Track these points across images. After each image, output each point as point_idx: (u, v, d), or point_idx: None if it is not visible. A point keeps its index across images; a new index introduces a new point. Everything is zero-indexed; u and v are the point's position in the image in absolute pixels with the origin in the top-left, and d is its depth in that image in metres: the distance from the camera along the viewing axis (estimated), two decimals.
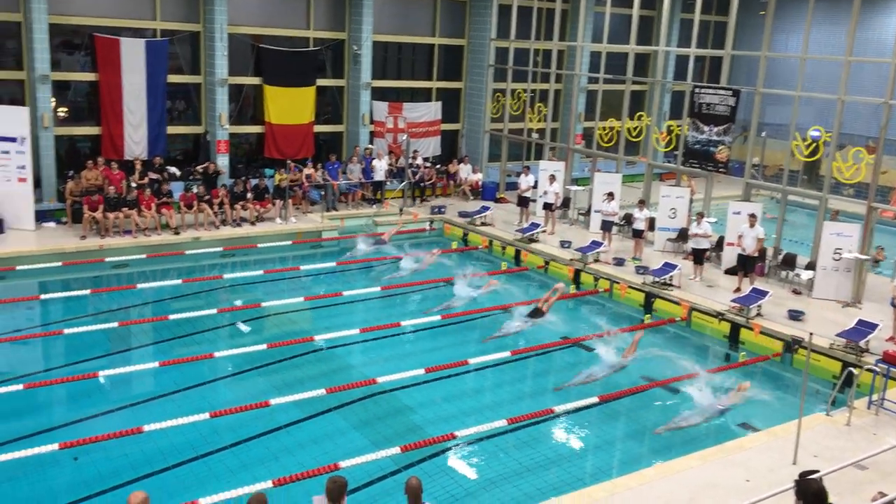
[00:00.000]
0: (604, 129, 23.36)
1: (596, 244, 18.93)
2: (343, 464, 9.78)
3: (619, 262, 18.41)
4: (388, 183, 23.43)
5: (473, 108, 26.53)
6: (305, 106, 23.23)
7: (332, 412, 11.52)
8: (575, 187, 23.14)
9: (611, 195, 19.93)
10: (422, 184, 24.13)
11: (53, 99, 19.56)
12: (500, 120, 25.97)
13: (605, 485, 9.44)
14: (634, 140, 24.00)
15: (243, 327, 14.17)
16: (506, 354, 13.62)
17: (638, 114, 24.23)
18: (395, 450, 10.27)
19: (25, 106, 19.05)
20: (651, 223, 19.87)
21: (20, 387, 11.45)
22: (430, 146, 25.91)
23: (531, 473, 10.12)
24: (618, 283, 17.52)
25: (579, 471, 10.28)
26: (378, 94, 24.69)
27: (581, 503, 8.92)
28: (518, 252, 20.00)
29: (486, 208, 22.16)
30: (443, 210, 22.78)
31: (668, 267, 17.27)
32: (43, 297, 15.90)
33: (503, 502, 9.45)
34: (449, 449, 10.58)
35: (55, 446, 9.74)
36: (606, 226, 19.76)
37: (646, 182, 21.62)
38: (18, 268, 16.63)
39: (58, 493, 9.10)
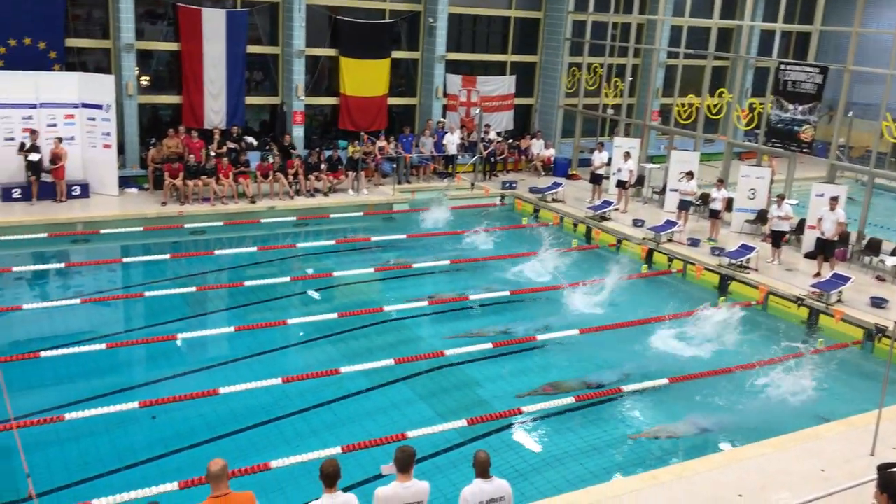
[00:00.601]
0: (682, 105, 22.75)
1: (670, 224, 18.55)
2: (410, 433, 9.89)
3: (694, 243, 18.00)
4: (459, 157, 23.39)
5: (548, 83, 26.19)
6: (380, 78, 23.31)
7: (400, 382, 11.65)
8: (650, 165, 22.68)
9: (690, 174, 19.45)
10: (493, 158, 24.00)
11: (136, 68, 20.09)
12: (575, 95, 25.59)
13: (673, 467, 9.32)
14: (714, 117, 23.33)
15: (314, 295, 14.37)
16: (574, 333, 13.51)
17: (719, 90, 23.54)
18: (462, 422, 10.33)
19: (111, 74, 19.63)
20: (729, 204, 19.35)
21: (103, 346, 11.91)
22: (503, 120, 25.72)
23: (597, 452, 10.05)
24: (692, 264, 17.14)
25: (645, 452, 10.16)
26: (452, 67, 24.59)
27: (648, 485, 8.82)
28: (589, 230, 19.76)
29: (557, 184, 21.93)
30: (514, 185, 22.65)
31: (745, 249, 16.81)
32: (125, 260, 16.45)
33: (568, 479, 9.40)
34: (515, 424, 10.59)
35: (135, 404, 10.12)
36: (684, 205, 19.32)
37: (725, 161, 21.03)
38: (102, 231, 17.25)
39: (137, 450, 9.46)
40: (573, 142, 25.49)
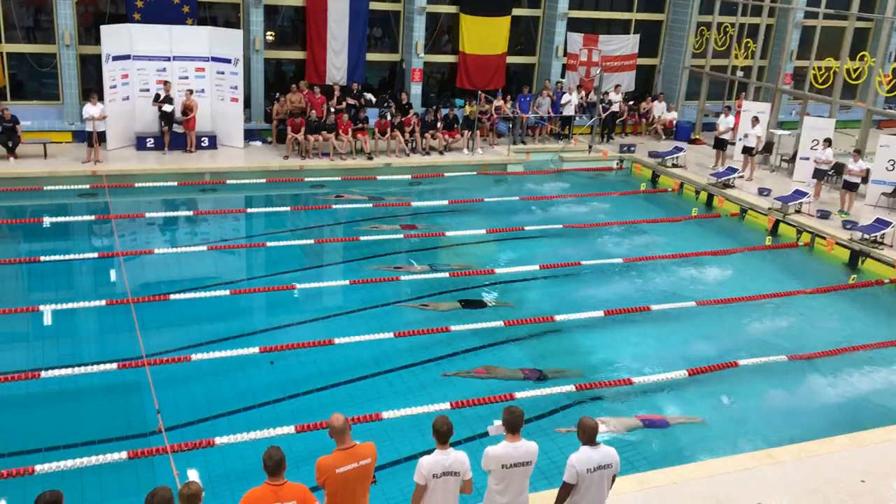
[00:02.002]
0: (819, 69, 21.44)
1: (799, 193, 17.64)
2: (518, 395, 9.92)
3: (824, 215, 17.08)
4: (577, 118, 22.94)
5: (674, 42, 25.20)
6: (500, 36, 23.03)
7: (510, 344, 11.67)
8: (780, 131, 21.57)
9: (828, 141, 18.37)
10: (618, 120, 23.39)
11: (263, 23, 20.60)
12: (703, 56, 24.54)
13: (791, 447, 8.98)
14: (853, 83, 21.91)
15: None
16: (690, 304, 13.13)
17: (860, 53, 22.03)
18: (570, 387, 10.28)
19: (239, 29, 20.22)
20: (865, 175, 18.20)
21: (227, 292, 12.45)
22: (624, 81, 24.98)
23: (707, 428, 9.79)
24: (822, 237, 16.28)
25: (762, 429, 9.80)
26: (573, 25, 24.00)
27: (762, 464, 8.55)
28: (711, 197, 19.04)
29: (679, 149, 21.21)
30: (632, 149, 22.06)
31: (881, 224, 15.81)
32: (248, 210, 17.07)
33: (677, 451, 9.23)
34: (625, 392, 10.44)
35: (255, 349, 10.56)
36: (819, 174, 18.30)
37: (862, 129, 19.73)
38: (228, 182, 17.95)
39: (256, 392, 9.88)
40: (697, 105, 24.52)
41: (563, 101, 22.52)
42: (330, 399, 9.75)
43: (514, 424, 6.30)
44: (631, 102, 24.45)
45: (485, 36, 22.83)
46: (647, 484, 8.14)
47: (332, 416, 6.08)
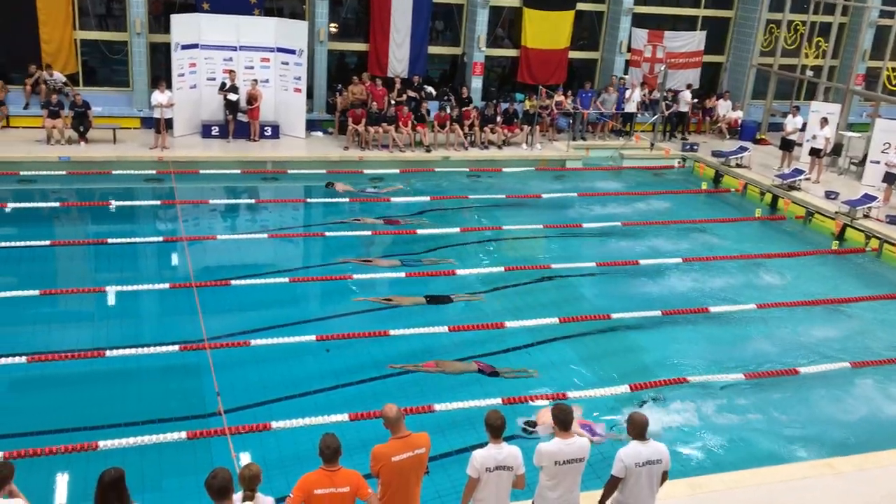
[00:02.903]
0: (893, 70, 20.75)
1: (868, 198, 17.12)
2: (571, 394, 9.88)
3: (894, 221, 16.54)
4: (639, 115, 22.64)
5: (742, 40, 24.64)
6: (563, 30, 22.84)
7: (563, 341, 11.61)
8: (850, 133, 20.94)
9: None
10: (680, 118, 23.02)
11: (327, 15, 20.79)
12: (771, 54, 23.95)
13: (853, 458, 8.76)
14: None
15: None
16: (750, 307, 12.87)
17: None
18: (624, 388, 10.19)
19: (304, 20, 20.46)
20: None
21: (285, 280, 12.66)
22: (689, 78, 24.52)
23: (767, 433, 9.59)
24: (892, 243, 15.77)
25: (821, 438, 9.55)
26: (638, 20, 23.65)
27: (821, 473, 8.34)
28: (776, 199, 18.60)
29: (743, 149, 20.77)
30: (695, 147, 21.68)
31: None
32: (308, 200, 17.30)
33: (727, 454, 9.08)
34: (679, 394, 10.29)
35: (312, 337, 10.72)
36: (889, 178, 17.73)
37: None
38: (289, 171, 18.22)
39: (311, 379, 10.03)
40: (764, 104, 23.96)
41: (625, 98, 22.24)
42: (384, 389, 9.84)
43: (566, 421, 6.29)
44: (695, 100, 24.01)
45: (548, 30, 22.66)
46: (700, 489, 8.02)
47: (386, 407, 6.15)
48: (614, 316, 12.17)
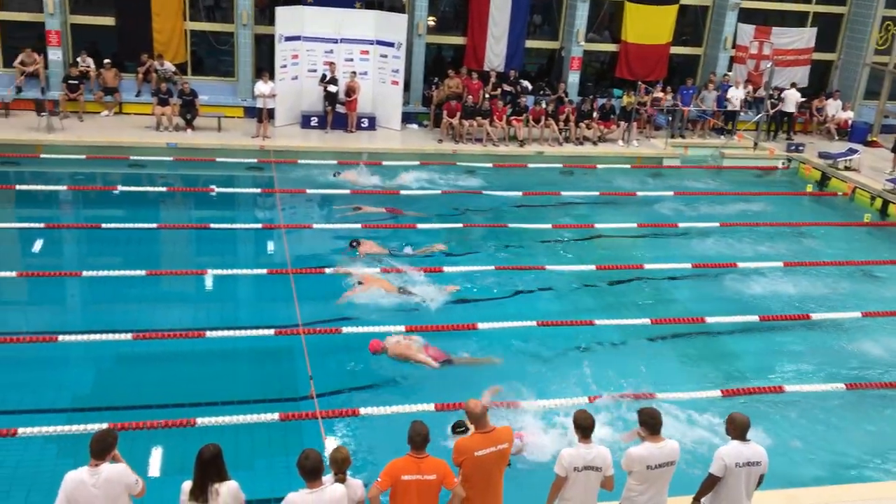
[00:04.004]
0: None
1: None
2: (660, 395, 9.68)
3: None
4: (742, 113, 21.91)
5: (855, 37, 23.52)
6: (665, 25, 22.34)
7: (654, 342, 11.39)
8: None
9: None
10: (785, 117, 22.19)
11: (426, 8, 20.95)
12: (887, 52, 22.77)
13: None
14: None
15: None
16: (856, 315, 12.31)
17: None
18: (716, 392, 9.92)
19: (404, 14, 20.67)
20: None
21: (377, 270, 12.80)
22: (797, 76, 23.59)
23: (858, 448, 9.14)
24: None
25: None
26: (745, 15, 22.89)
27: None
28: (886, 204, 17.71)
29: (853, 151, 19.86)
30: (801, 148, 20.86)
31: None
32: (402, 192, 17.46)
33: (822, 467, 8.73)
34: (774, 402, 9.93)
35: (401, 328, 10.82)
36: None
37: None
38: (384, 163, 18.45)
39: (399, 369, 10.11)
40: (877, 105, 22.81)
41: (728, 95, 21.56)
42: (470, 382, 9.84)
43: (656, 426, 6.19)
44: (803, 99, 23.07)
45: (649, 25, 22.20)
46: (796, 501, 7.74)
47: (470, 402, 6.17)
48: (709, 319, 11.85)
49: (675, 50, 23.03)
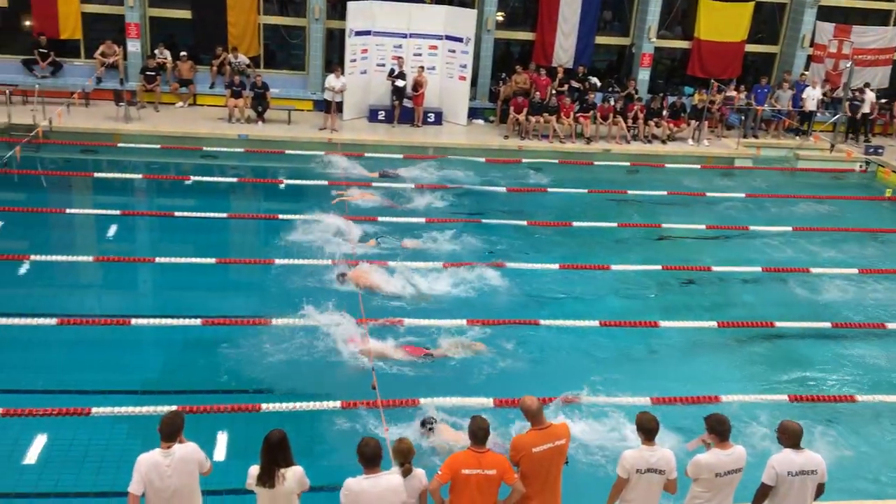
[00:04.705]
0: None
1: None
2: (724, 398, 9.49)
3: None
4: (819, 114, 21.25)
5: None
6: (741, 22, 21.81)
7: (720, 346, 11.18)
8: None
9: None
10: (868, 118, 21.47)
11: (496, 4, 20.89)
12: None
13: None
14: None
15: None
16: None
17: None
18: (783, 397, 9.67)
19: (473, 9, 20.66)
20: None
21: (439, 264, 12.84)
22: (877, 77, 22.76)
23: None
24: None
25: None
26: (824, 13, 22.18)
27: None
28: None
29: None
30: (880, 151, 20.13)
31: None
32: (465, 186, 17.44)
33: (888, 480, 8.41)
34: (843, 411, 9.62)
35: (463, 322, 10.86)
36: None
37: None
38: (449, 157, 18.48)
39: (459, 362, 10.14)
40: None
41: (804, 95, 20.93)
42: (530, 378, 9.80)
43: (724, 432, 6.06)
44: (883, 101, 22.25)
45: (724, 21, 21.70)
46: None
47: (527, 399, 6.14)
48: (778, 324, 11.56)
49: (749, 48, 22.46)
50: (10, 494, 7.28)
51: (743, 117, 20.85)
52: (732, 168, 19.71)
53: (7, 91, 17.92)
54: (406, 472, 5.70)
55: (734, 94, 20.89)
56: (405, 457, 5.72)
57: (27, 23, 20.16)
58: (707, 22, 21.73)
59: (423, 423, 8.19)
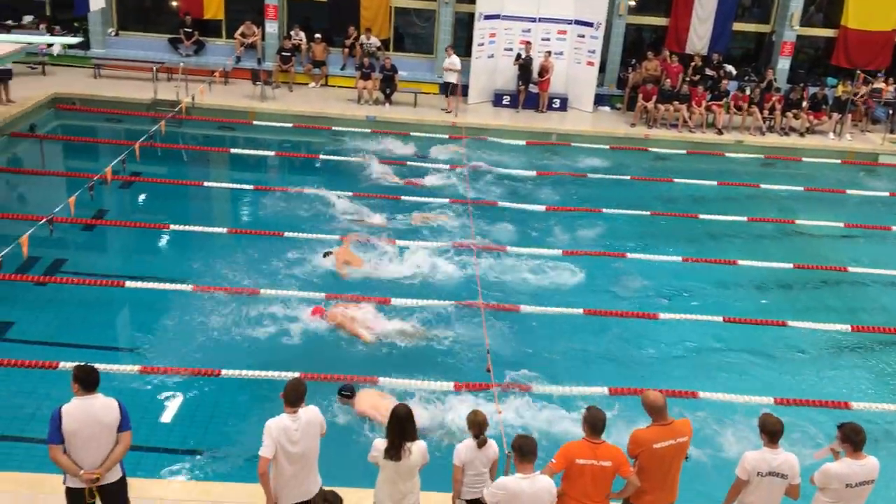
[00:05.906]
0: None
1: None
2: (855, 405, 9.04)
3: None
4: None
5: None
6: (891, 10, 20.43)
7: (852, 350, 10.66)
8: None
9: None
10: None
11: None
12: None
13: None
14: None
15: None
16: None
17: None
18: None
19: None
20: None
21: (558, 252, 12.74)
22: None
23: None
24: None
25: None
26: None
27: None
28: None
29: None
30: None
31: None
32: (589, 175, 17.08)
33: None
34: None
35: (580, 311, 10.77)
36: None
37: None
38: (573, 145, 18.26)
39: (576, 350, 10.10)
40: None
41: None
42: (650, 372, 9.68)
43: (859, 442, 5.78)
44: None
45: (876, 9, 20.40)
46: None
47: (651, 394, 6.05)
48: None
49: None
50: (142, 448, 7.70)
51: (891, 111, 19.55)
52: (876, 165, 18.56)
53: (154, 68, 18.98)
54: (482, 444, 5.88)
55: (882, 86, 19.65)
56: (480, 428, 5.89)
57: (174, 3, 21.29)
58: (855, 9, 20.47)
59: (341, 392, 8.36)
